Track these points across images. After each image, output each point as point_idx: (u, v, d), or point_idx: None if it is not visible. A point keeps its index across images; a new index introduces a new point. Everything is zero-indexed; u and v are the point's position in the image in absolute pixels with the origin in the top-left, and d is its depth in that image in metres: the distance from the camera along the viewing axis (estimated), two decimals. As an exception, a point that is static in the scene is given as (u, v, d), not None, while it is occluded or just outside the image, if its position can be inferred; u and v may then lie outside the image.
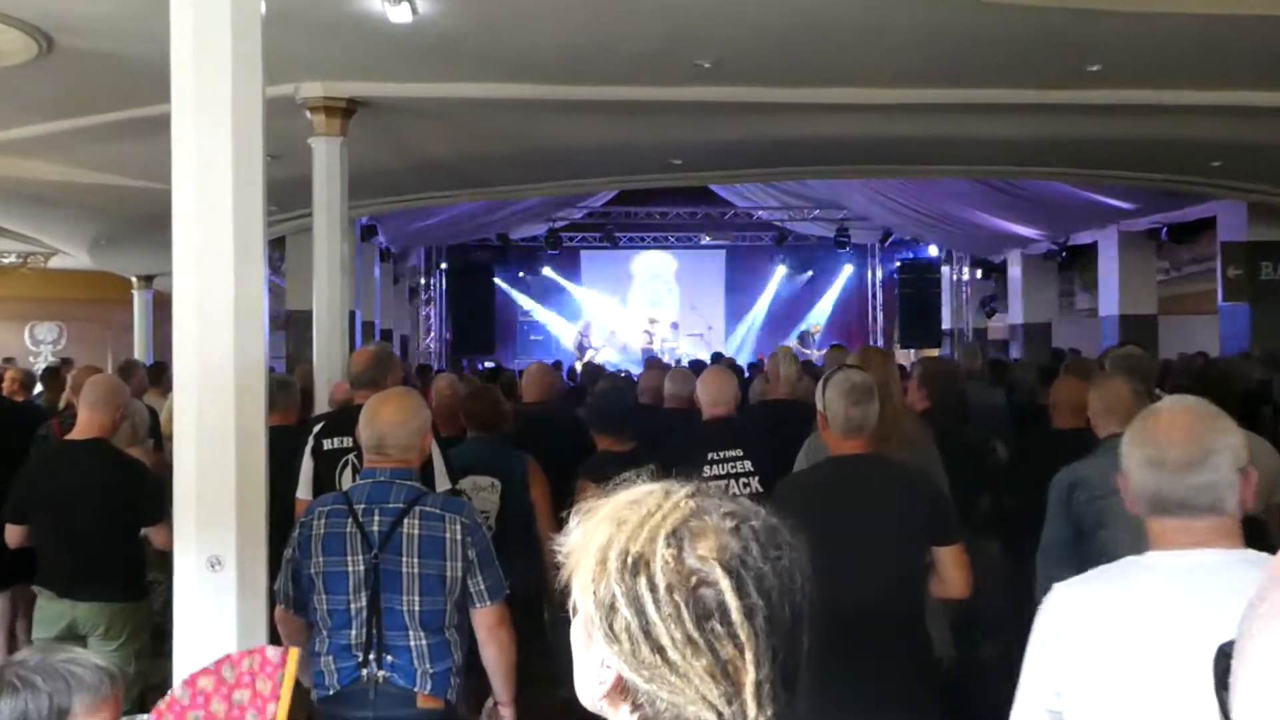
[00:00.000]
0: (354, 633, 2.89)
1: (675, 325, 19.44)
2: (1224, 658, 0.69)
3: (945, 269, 19.23)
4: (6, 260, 16.38)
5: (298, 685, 2.80)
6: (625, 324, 19.64)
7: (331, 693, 2.92)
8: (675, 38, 6.35)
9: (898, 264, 19.20)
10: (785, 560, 0.98)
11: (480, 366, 14.86)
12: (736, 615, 0.94)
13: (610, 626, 0.96)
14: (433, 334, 19.07)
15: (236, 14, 3.51)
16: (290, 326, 12.35)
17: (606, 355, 18.19)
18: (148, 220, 9.62)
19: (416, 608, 2.87)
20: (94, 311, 17.99)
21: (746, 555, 0.96)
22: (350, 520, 2.91)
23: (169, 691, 2.74)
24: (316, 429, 4.18)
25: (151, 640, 4.42)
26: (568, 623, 1.04)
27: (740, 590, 0.94)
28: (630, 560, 0.96)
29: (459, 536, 2.89)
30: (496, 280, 18.75)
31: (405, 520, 2.89)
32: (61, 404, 6.84)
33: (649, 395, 6.26)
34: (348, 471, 3.94)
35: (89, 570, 4.12)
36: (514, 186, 12.00)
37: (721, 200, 17.97)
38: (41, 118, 7.77)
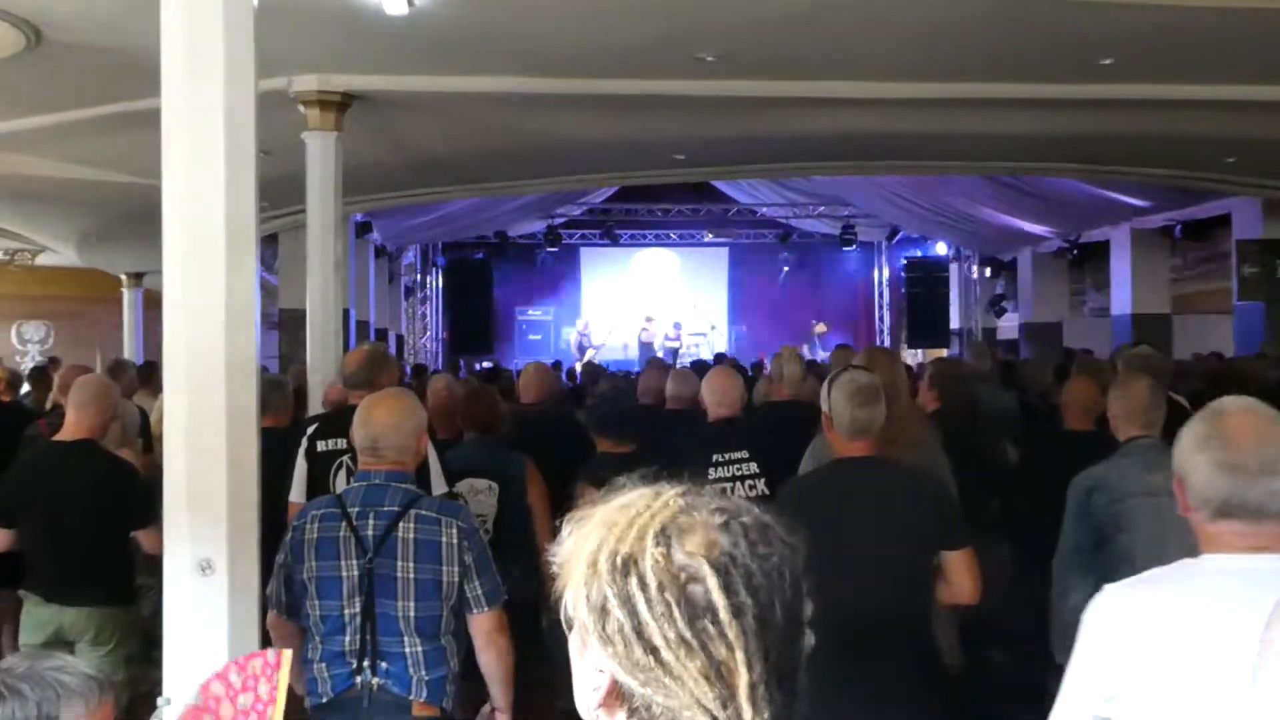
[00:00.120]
0: (348, 639, 2.86)
1: (678, 325, 19.38)
2: None
3: (954, 267, 19.07)
4: (-7, 257, 16.32)
5: (291, 692, 2.73)
6: (625, 323, 19.57)
7: (325, 700, 2.89)
8: (677, 30, 6.30)
9: (905, 262, 19.00)
10: (775, 558, 0.97)
11: (477, 366, 14.79)
12: (724, 614, 0.92)
13: (603, 629, 0.95)
14: (429, 333, 19.01)
15: (228, 5, 3.47)
16: (283, 325, 12.34)
17: (608, 355, 18.10)
18: (137, 217, 9.60)
19: (412, 613, 2.84)
20: (83, 310, 17.84)
21: (735, 551, 0.95)
22: (344, 524, 2.89)
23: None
24: (310, 430, 4.19)
25: (141, 646, 4.37)
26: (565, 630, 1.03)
27: (728, 587, 0.93)
28: (620, 560, 0.95)
29: (455, 541, 2.86)
30: (494, 278, 18.63)
31: (400, 524, 2.86)
32: (49, 404, 6.78)
33: (650, 396, 6.19)
34: (342, 474, 3.95)
35: (77, 574, 4.09)
36: (512, 182, 11.96)
37: (724, 197, 17.92)
38: (29, 111, 7.71)
